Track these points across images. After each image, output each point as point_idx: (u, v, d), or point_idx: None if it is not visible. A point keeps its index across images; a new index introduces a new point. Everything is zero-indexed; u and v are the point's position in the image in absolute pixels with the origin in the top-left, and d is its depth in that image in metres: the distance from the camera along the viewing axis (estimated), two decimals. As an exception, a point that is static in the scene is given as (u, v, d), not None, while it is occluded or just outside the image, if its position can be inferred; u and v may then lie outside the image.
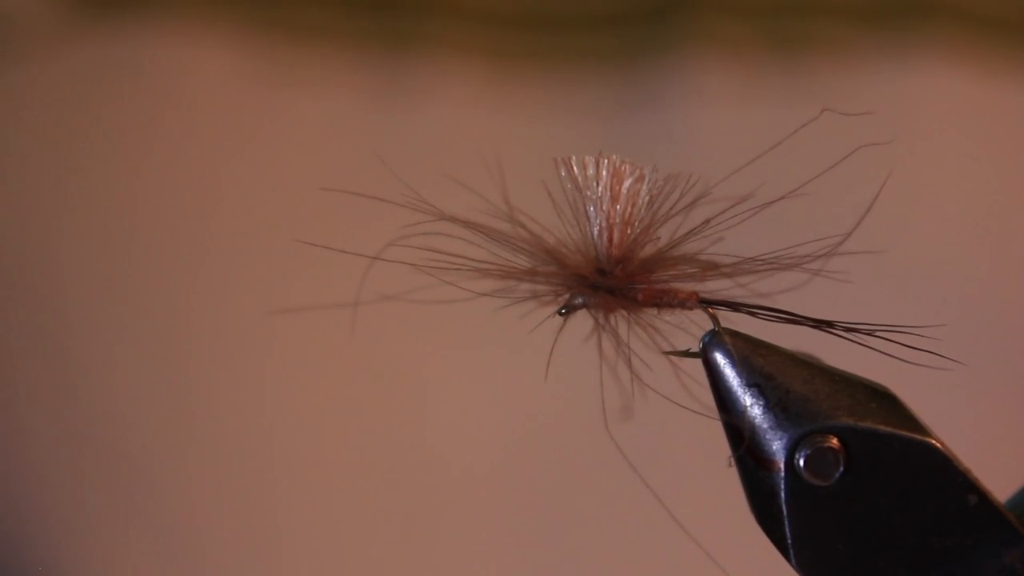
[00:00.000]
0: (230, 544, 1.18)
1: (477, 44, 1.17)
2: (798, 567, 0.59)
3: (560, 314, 0.67)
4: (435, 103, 1.17)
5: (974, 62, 1.16)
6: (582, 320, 0.68)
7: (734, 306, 0.65)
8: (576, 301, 0.66)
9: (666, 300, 0.66)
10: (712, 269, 0.65)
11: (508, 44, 1.17)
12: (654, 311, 0.66)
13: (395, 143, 1.12)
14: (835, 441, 0.58)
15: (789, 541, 0.58)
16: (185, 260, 1.18)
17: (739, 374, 0.60)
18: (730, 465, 0.61)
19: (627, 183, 0.65)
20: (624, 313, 0.67)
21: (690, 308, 0.66)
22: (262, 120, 1.18)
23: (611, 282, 0.65)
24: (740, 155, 0.67)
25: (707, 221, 0.65)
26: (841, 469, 0.58)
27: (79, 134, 1.18)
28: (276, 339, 1.18)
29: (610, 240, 0.66)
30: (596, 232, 0.65)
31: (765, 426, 0.59)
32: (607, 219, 0.65)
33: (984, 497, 0.58)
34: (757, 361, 0.60)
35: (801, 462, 0.58)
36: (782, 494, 0.58)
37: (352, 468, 1.19)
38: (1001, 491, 0.61)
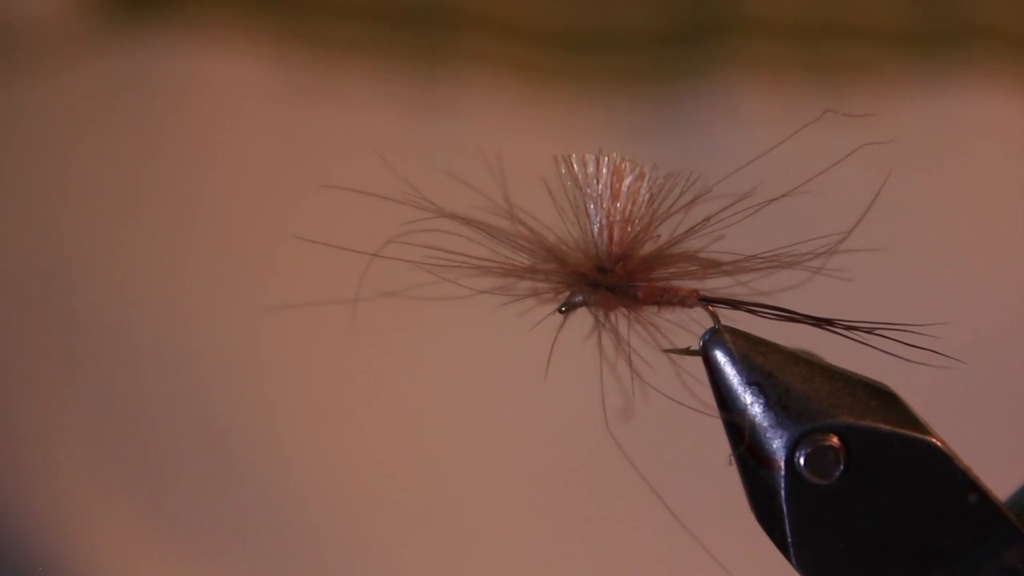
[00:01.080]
0: (229, 541, 1.18)
1: (511, 60, 1.17)
2: (798, 566, 0.59)
3: (560, 312, 0.66)
4: (466, 118, 1.17)
5: (1007, 85, 1.16)
6: (582, 318, 0.68)
7: (734, 304, 0.65)
8: (576, 299, 0.66)
9: (666, 298, 0.66)
10: (712, 267, 0.65)
11: (542, 61, 1.17)
12: (654, 309, 0.66)
13: (420, 155, 1.12)
14: (835, 439, 0.58)
15: (789, 540, 0.58)
16: (201, 258, 1.18)
17: (739, 372, 0.60)
18: (730, 464, 0.61)
19: (627, 181, 0.65)
20: (624, 311, 0.66)
21: (690, 306, 0.65)
22: (288, 130, 1.18)
23: (611, 279, 0.65)
24: (775, 176, 0.66)
25: (707, 219, 0.65)
26: (841, 468, 0.58)
27: (104, 142, 1.18)
28: (277, 335, 1.18)
29: (610, 238, 0.65)
30: (596, 230, 0.65)
31: (765, 424, 0.59)
32: (607, 217, 0.65)
33: (984, 496, 0.58)
34: (757, 359, 0.60)
35: (801, 460, 0.58)
36: (782, 493, 0.58)
37: (350, 465, 1.18)
38: (1001, 490, 0.61)
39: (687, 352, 0.64)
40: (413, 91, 1.17)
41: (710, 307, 0.64)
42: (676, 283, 0.66)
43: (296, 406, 1.18)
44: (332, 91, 1.18)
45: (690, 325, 0.66)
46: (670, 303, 0.66)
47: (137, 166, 1.18)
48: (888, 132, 0.72)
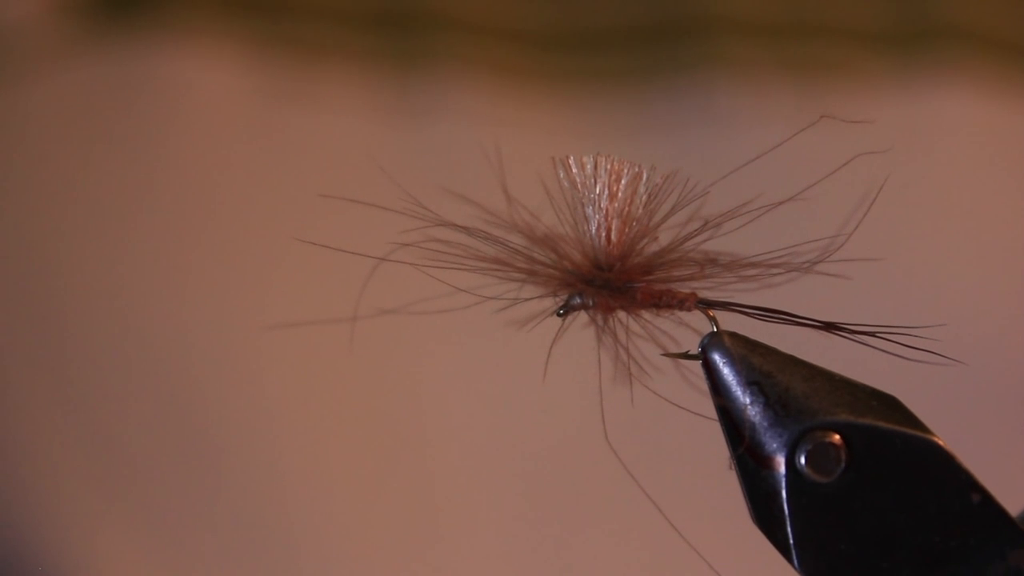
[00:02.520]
0: (229, 549, 1.17)
1: (487, 62, 1.17)
2: (800, 569, 0.58)
3: (559, 315, 0.66)
4: (443, 120, 1.17)
5: (984, 84, 1.16)
6: (581, 324, 0.67)
7: (733, 308, 0.64)
8: (575, 301, 0.66)
9: (664, 300, 0.65)
10: (711, 265, 0.64)
11: (519, 62, 1.17)
12: (653, 312, 0.66)
13: (403, 159, 1.12)
14: (836, 437, 0.57)
15: (791, 542, 0.58)
16: (187, 269, 1.18)
17: (738, 373, 0.60)
18: (731, 468, 0.60)
19: (624, 181, 0.64)
20: (623, 314, 0.66)
21: (688, 309, 0.65)
22: (269, 135, 1.17)
23: (609, 277, 0.65)
24: (752, 176, 0.66)
25: (706, 223, 0.64)
26: (842, 466, 0.57)
27: (86, 148, 1.18)
28: (276, 344, 1.17)
29: (608, 239, 0.65)
30: (594, 230, 0.65)
31: (765, 424, 0.58)
32: (605, 217, 0.64)
33: (987, 496, 0.57)
34: (756, 360, 0.60)
35: (802, 459, 0.57)
36: (783, 493, 0.57)
37: (349, 471, 1.18)
38: (1002, 491, 0.61)
39: (686, 356, 0.63)
40: (395, 95, 1.17)
41: (709, 311, 0.64)
42: (675, 286, 0.65)
43: (292, 412, 1.17)
44: (314, 96, 1.18)
45: (688, 332, 0.65)
46: (668, 306, 0.65)
47: (118, 170, 1.18)
48: (872, 133, 0.72)
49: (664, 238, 0.65)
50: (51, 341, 1.18)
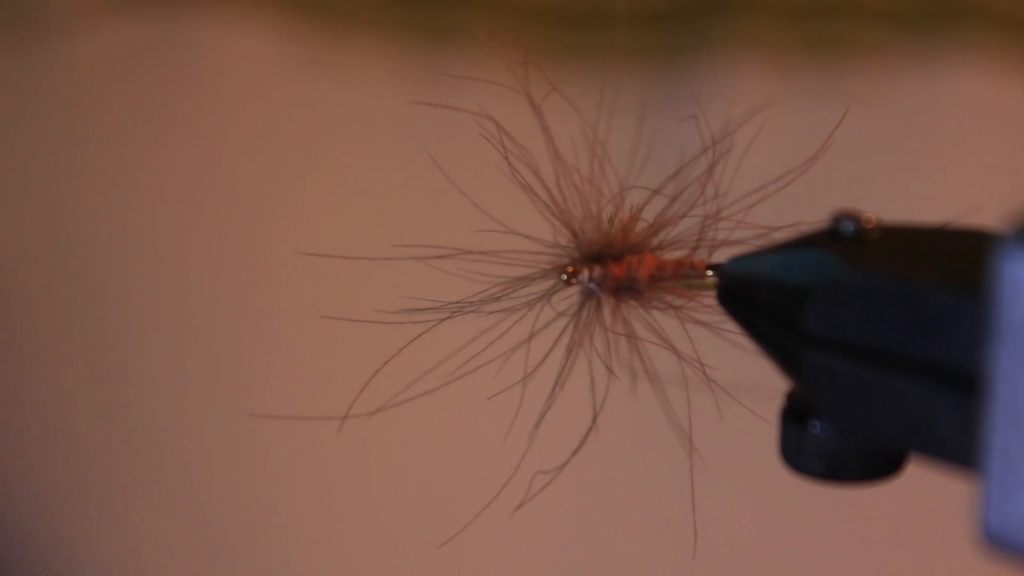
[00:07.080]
0: (235, 551, 1.08)
1: (513, 38, 1.17)
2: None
3: (562, 281, 0.65)
4: (471, 95, 1.15)
5: (1009, 66, 1.15)
6: (585, 327, 0.66)
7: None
8: (584, 278, 0.65)
9: (671, 273, 0.64)
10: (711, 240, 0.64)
11: (544, 39, 1.16)
12: (660, 292, 0.65)
13: (430, 133, 1.10)
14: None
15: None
16: (208, 230, 1.13)
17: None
18: None
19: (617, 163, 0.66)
20: (628, 299, 0.65)
21: (701, 276, 0.64)
22: (296, 102, 1.16)
23: (614, 251, 0.65)
24: (774, 156, 0.67)
25: (708, 199, 0.65)
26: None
27: (114, 108, 1.16)
28: (295, 319, 1.11)
29: (611, 218, 0.65)
30: (594, 209, 0.65)
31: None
32: (601, 198, 0.65)
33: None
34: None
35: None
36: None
37: (352, 475, 1.09)
38: None
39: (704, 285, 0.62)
40: (422, 68, 1.16)
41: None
42: (683, 255, 0.65)
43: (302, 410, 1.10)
44: (342, 65, 1.17)
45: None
46: (678, 277, 0.64)
47: (144, 130, 1.15)
48: (885, 110, 0.73)
49: (665, 216, 0.65)
50: (67, 308, 1.12)
